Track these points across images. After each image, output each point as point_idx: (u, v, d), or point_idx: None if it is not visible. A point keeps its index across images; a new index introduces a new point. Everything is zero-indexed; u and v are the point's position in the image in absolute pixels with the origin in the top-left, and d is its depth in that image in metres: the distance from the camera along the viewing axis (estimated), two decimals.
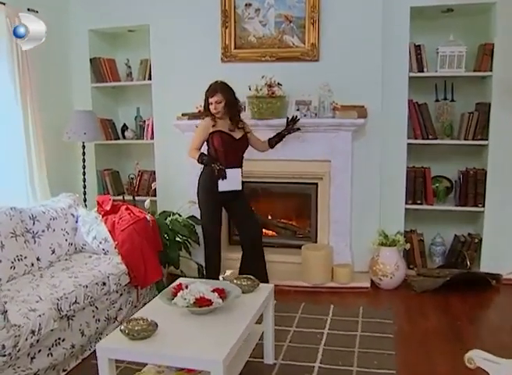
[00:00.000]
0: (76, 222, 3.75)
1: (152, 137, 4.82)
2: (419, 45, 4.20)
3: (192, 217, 4.37)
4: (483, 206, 4.22)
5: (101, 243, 3.62)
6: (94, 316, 3.12)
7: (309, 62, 4.23)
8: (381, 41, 4.08)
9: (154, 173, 4.87)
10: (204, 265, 4.00)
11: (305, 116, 4.17)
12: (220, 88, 3.65)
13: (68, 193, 3.96)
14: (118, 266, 3.40)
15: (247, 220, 3.95)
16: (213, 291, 2.54)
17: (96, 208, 3.93)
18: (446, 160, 4.51)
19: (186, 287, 2.54)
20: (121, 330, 2.22)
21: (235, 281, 2.81)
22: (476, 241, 4.28)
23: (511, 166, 4.13)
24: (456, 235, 4.52)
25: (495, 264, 4.17)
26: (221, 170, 3.66)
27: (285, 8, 4.22)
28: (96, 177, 4.96)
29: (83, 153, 4.58)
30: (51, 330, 2.64)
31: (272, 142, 3.93)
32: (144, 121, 4.90)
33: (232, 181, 3.73)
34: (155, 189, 4.74)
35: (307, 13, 4.15)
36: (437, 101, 4.44)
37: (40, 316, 2.56)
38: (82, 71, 4.82)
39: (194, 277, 3.86)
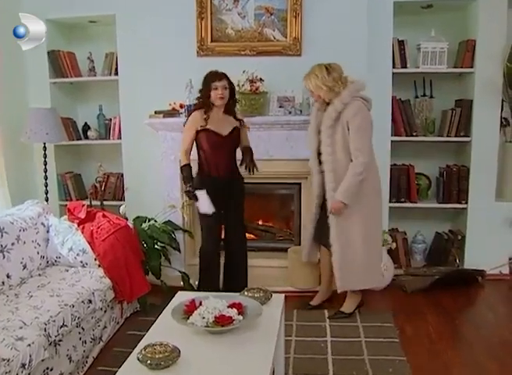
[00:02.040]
0: (48, 232, 3.36)
1: (119, 137, 4.47)
2: (402, 41, 4.13)
3: (169, 222, 4.09)
4: (466, 203, 4.22)
5: (78, 255, 3.26)
6: (80, 339, 2.78)
7: (291, 56, 4.05)
8: (366, 36, 3.95)
9: (122, 175, 4.52)
10: (198, 276, 3.71)
11: (290, 113, 3.99)
12: (224, 75, 3.45)
13: (34, 200, 3.56)
14: (102, 280, 3.07)
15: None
16: (229, 306, 2.29)
17: (66, 216, 3.56)
18: (425, 157, 4.47)
19: (200, 304, 2.28)
20: (139, 359, 1.93)
21: (245, 293, 2.57)
22: (459, 237, 4.28)
23: (493, 161, 4.15)
24: (437, 232, 4.51)
25: (478, 260, 4.18)
26: (189, 193, 3.43)
27: (265, 0, 4.01)
28: (56, 181, 4.53)
29: (45, 155, 4.15)
30: (42, 361, 2.30)
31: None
32: (110, 119, 4.53)
33: (202, 204, 3.44)
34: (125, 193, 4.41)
35: (289, 5, 3.96)
36: (416, 97, 4.40)
37: (29, 345, 2.21)
38: (39, 65, 4.37)
39: (179, 287, 3.63)
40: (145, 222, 3.98)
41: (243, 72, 3.94)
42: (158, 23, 4.11)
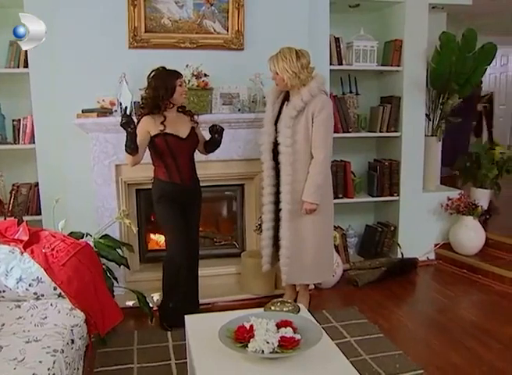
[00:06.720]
0: None
1: (32, 141, 3.79)
2: (338, 38, 4.17)
3: (107, 236, 3.58)
4: (398, 195, 4.43)
5: (31, 285, 2.62)
6: None
7: (233, 50, 3.83)
8: (307, 31, 3.89)
9: (37, 185, 3.85)
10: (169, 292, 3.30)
11: (239, 110, 3.77)
12: None
13: None
14: (73, 313, 2.52)
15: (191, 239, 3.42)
16: (278, 325, 2.05)
17: None
18: (353, 153, 4.59)
19: (251, 328, 2.00)
20: None
21: (272, 308, 2.34)
22: (392, 228, 4.48)
23: (420, 155, 4.43)
24: (367, 225, 4.67)
25: (410, 249, 4.42)
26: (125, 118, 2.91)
27: None
28: None
29: None
30: None
31: (207, 149, 3.44)
32: (19, 120, 3.81)
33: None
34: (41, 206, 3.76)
35: None
36: (343, 94, 4.49)
37: None
38: None
39: (129, 308, 3.44)
40: (82, 238, 3.43)
41: (187, 66, 3.61)
42: (80, 7, 3.56)
